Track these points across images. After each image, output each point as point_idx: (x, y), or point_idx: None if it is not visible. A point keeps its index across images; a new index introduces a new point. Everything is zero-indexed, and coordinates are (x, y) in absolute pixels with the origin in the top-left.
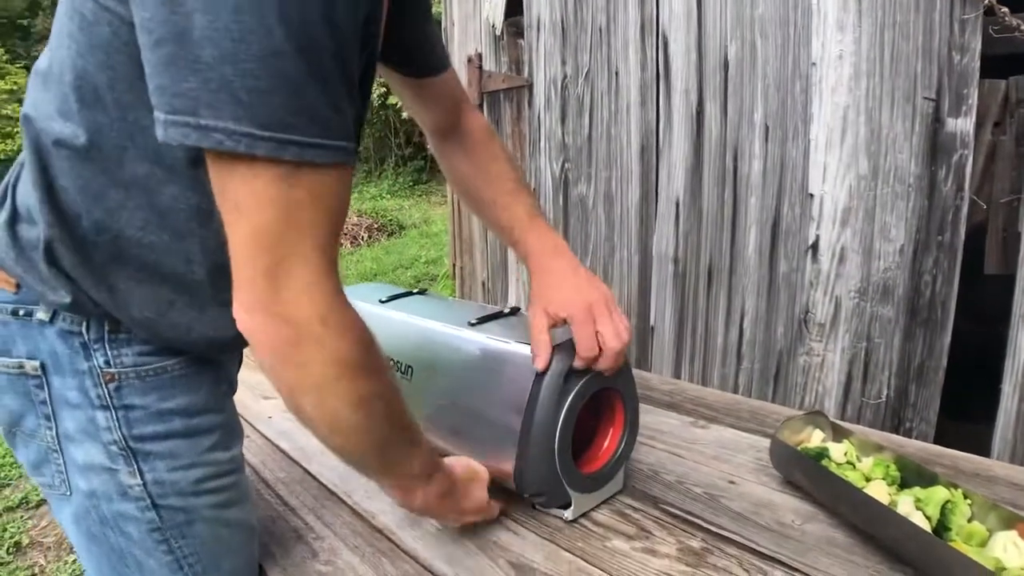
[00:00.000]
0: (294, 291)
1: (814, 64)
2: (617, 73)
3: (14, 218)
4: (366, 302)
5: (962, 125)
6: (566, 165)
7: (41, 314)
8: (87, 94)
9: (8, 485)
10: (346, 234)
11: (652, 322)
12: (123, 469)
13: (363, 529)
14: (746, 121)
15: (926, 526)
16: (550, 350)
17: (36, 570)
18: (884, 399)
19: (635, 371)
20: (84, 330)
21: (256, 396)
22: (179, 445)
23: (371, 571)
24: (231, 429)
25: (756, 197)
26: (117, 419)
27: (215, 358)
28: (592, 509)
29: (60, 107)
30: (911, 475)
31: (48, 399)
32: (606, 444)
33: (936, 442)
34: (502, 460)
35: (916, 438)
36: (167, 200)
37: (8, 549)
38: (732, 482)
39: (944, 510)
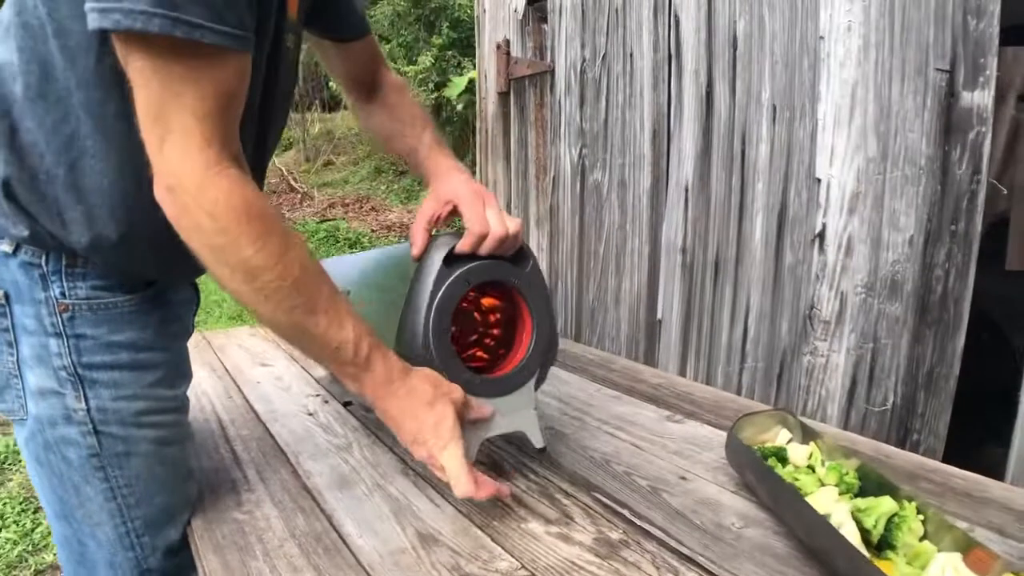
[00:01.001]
0: (175, 161)
1: (822, 38)
2: (631, 55)
3: None
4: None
5: (979, 98)
6: (583, 151)
7: (5, 247)
8: (31, 20)
9: None
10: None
11: (660, 315)
12: (70, 394)
13: (294, 487)
14: (754, 101)
15: (856, 539)
16: (425, 238)
17: None
18: (890, 407)
19: (631, 363)
20: (43, 263)
21: (254, 363)
22: (124, 376)
23: (282, 524)
24: (178, 369)
25: (763, 183)
26: (68, 346)
27: (167, 295)
28: (521, 474)
29: (12, 46)
30: (871, 485)
31: (11, 326)
32: (513, 354)
33: (950, 462)
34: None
35: (924, 453)
36: (109, 120)
37: None
38: (683, 478)
39: (890, 524)
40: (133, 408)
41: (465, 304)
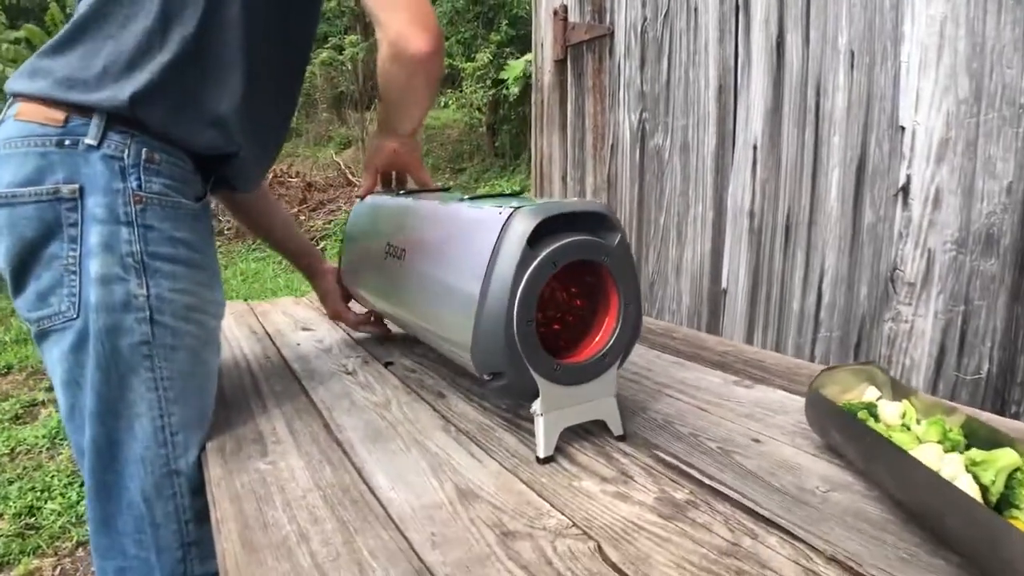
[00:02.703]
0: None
1: None
2: (696, 10)
3: None
4: (388, 194)
5: None
6: (643, 115)
7: (89, 140)
8: None
9: None
10: None
11: (724, 284)
12: (133, 280)
13: (324, 439)
14: (830, 48)
15: (976, 494)
16: (374, 179)
17: None
18: (984, 375)
19: (694, 332)
20: (125, 156)
21: (296, 327)
22: (180, 270)
23: (308, 475)
24: (217, 277)
25: (839, 135)
26: (138, 235)
27: (207, 216)
28: (573, 432)
29: None
30: (980, 443)
31: (79, 220)
32: (594, 336)
33: None
34: (467, 335)
35: None
36: None
37: None
38: (757, 440)
39: (1011, 481)
40: (184, 301)
41: (548, 286)
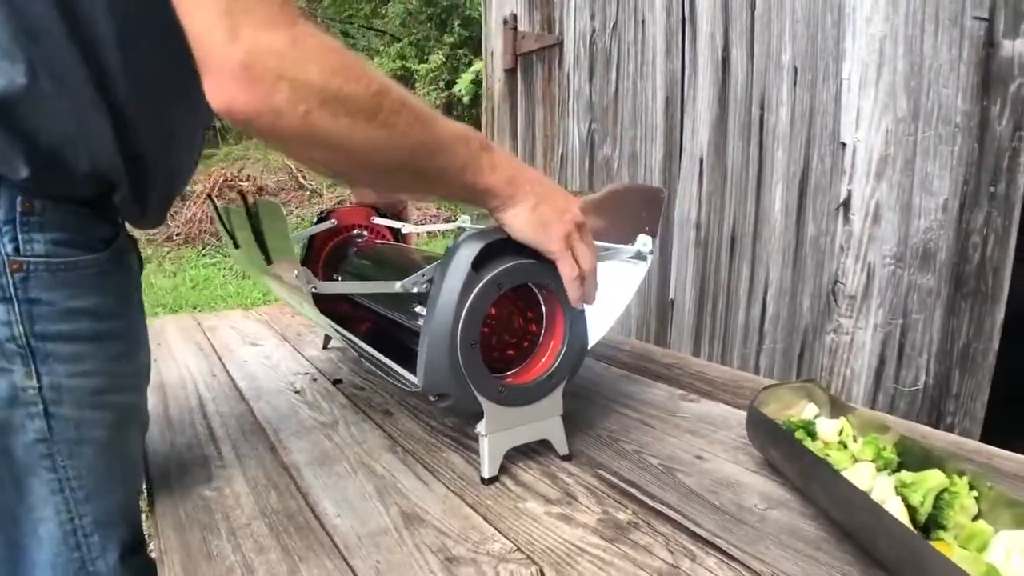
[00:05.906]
0: (252, 31)
1: None
2: (643, 22)
3: None
4: None
5: (1021, 47)
6: (592, 126)
7: None
8: None
9: None
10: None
11: (672, 295)
12: (19, 370)
13: (271, 463)
14: (773, 64)
15: (903, 516)
16: None
17: None
18: (921, 387)
19: (641, 343)
20: None
21: (244, 343)
22: (83, 349)
23: (253, 502)
24: (138, 339)
25: (783, 150)
26: (19, 313)
27: (124, 258)
28: (519, 451)
29: None
30: (913, 461)
31: None
32: (540, 357)
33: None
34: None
35: (959, 436)
36: None
37: None
38: (700, 457)
39: (939, 502)
40: (90, 385)
41: (493, 308)
